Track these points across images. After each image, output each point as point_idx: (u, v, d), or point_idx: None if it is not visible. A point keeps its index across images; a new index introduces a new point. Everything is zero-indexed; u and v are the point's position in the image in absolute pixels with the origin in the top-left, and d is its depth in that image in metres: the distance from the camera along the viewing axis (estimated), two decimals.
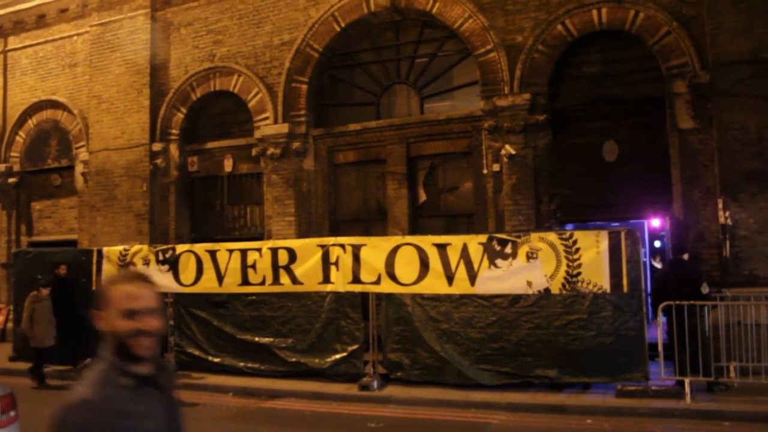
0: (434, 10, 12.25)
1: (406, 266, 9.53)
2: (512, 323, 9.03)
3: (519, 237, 9.14)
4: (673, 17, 10.55)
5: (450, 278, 9.30)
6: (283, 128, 13.13)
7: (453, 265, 9.28)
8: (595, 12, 11.11)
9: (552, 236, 9.03)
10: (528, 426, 7.67)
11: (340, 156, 13.38)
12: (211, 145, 14.40)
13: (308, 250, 10.28)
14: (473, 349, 9.20)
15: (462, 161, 12.44)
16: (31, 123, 16.57)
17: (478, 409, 8.39)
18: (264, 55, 13.59)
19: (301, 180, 13.25)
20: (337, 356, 9.94)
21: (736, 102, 9.71)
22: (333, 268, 10.01)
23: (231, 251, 10.76)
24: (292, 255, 10.31)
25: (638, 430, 7.51)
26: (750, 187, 9.55)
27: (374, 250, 9.80)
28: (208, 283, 10.83)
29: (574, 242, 8.80)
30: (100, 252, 12.02)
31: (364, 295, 9.92)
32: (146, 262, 11.32)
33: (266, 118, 13.44)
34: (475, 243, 9.26)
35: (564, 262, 8.78)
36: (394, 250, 9.63)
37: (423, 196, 12.74)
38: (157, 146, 14.37)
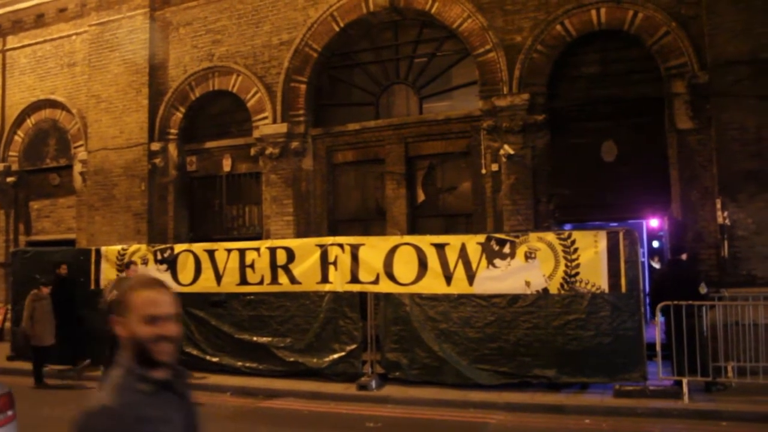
0: (433, 10, 12.25)
1: (405, 266, 9.54)
2: (510, 323, 9.03)
3: (517, 237, 9.15)
4: (671, 17, 10.56)
5: (448, 278, 9.30)
6: (282, 128, 13.13)
7: (451, 265, 9.29)
8: (594, 12, 11.11)
9: (550, 236, 9.04)
10: (526, 426, 7.67)
11: (338, 156, 13.38)
12: (209, 144, 14.40)
13: (307, 249, 10.28)
14: (471, 349, 9.20)
15: (461, 161, 12.44)
16: (29, 122, 16.55)
17: (476, 408, 8.39)
18: (263, 55, 13.59)
19: (299, 180, 13.25)
20: (336, 356, 9.93)
21: (735, 102, 9.72)
22: (331, 268, 10.01)
23: (229, 251, 10.76)
24: (291, 255, 10.31)
25: (636, 430, 7.51)
26: (748, 187, 9.56)
27: (373, 249, 9.80)
28: (207, 283, 10.83)
29: (573, 242, 8.81)
30: (98, 251, 12.02)
31: (362, 295, 9.91)
32: (144, 262, 11.32)
33: (265, 118, 13.43)
34: (473, 243, 9.26)
35: (562, 262, 8.79)
36: (393, 250, 9.63)
37: (421, 196, 12.74)
38: (155, 146, 14.36)
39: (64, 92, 15.88)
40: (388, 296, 9.71)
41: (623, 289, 8.55)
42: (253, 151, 13.58)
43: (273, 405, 9.16)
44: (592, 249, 8.71)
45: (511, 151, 11.25)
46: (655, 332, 8.60)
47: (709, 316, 8.53)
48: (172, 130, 14.50)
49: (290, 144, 13.13)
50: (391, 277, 9.59)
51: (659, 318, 8.54)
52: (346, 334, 9.92)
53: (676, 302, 8.24)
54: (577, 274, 8.72)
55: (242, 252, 10.66)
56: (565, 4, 11.25)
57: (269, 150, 13.20)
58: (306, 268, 10.17)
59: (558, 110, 11.50)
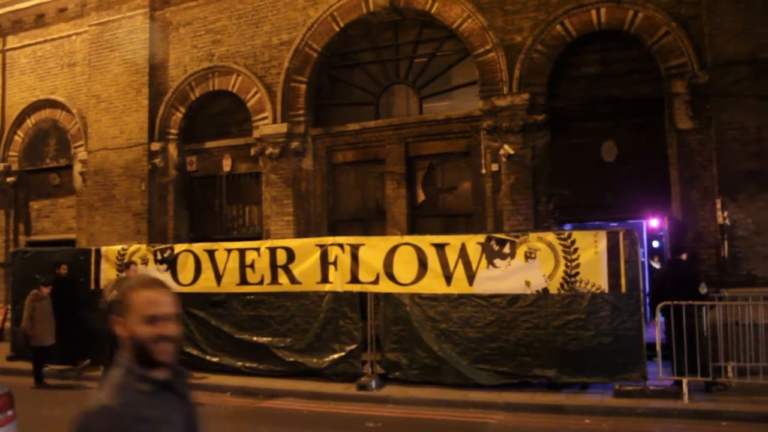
0: (433, 10, 12.25)
1: (405, 266, 9.53)
2: (510, 323, 9.02)
3: (517, 237, 9.15)
4: (671, 17, 10.56)
5: (448, 278, 9.30)
6: (282, 128, 13.13)
7: (451, 265, 9.29)
8: (594, 12, 11.11)
9: (550, 236, 9.04)
10: (526, 426, 7.67)
11: (338, 156, 13.38)
12: (209, 144, 14.40)
13: (307, 249, 10.28)
14: (471, 349, 9.20)
15: (460, 161, 12.44)
16: (29, 122, 16.56)
17: (476, 408, 8.39)
18: (263, 55, 13.59)
19: (299, 180, 13.25)
20: (336, 356, 9.93)
21: (735, 102, 9.72)
22: (331, 268, 10.01)
23: (229, 251, 10.76)
24: (291, 255, 10.31)
25: (636, 429, 7.51)
26: (748, 187, 9.56)
27: (373, 249, 9.80)
28: (207, 283, 10.83)
29: (573, 242, 8.81)
30: (98, 251, 12.01)
31: (362, 295, 9.90)
32: (144, 262, 11.32)
33: (265, 118, 13.43)
34: (473, 243, 9.26)
35: (562, 262, 8.79)
36: (393, 250, 9.63)
37: (421, 196, 12.74)
38: (155, 146, 14.36)
39: (64, 92, 15.88)
40: (388, 296, 9.71)
41: (623, 289, 8.55)
42: (253, 151, 13.58)
43: (273, 405, 9.15)
44: (592, 249, 8.71)
45: (511, 151, 11.25)
46: (655, 332, 8.61)
47: (709, 316, 8.53)
48: (172, 130, 14.50)
49: (290, 144, 13.13)
50: (391, 277, 9.59)
51: (659, 318, 8.54)
52: (346, 334, 9.92)
53: (676, 302, 8.24)
54: (577, 274, 8.72)
55: (242, 252, 10.66)
56: (565, 4, 11.25)
57: (269, 150, 13.20)
58: (306, 268, 10.17)
59: (558, 110, 11.49)
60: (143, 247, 11.80)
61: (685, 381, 8.03)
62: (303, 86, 13.29)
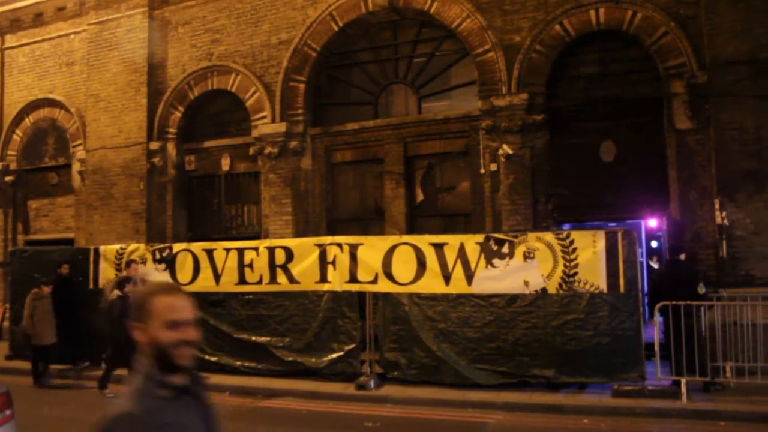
0: (432, 10, 12.25)
1: (404, 266, 9.53)
2: (509, 323, 9.03)
3: (516, 237, 9.15)
4: (670, 17, 10.56)
5: (447, 278, 9.30)
6: (281, 127, 13.13)
7: (450, 265, 9.29)
8: (592, 12, 11.11)
9: (549, 236, 9.04)
10: (525, 426, 7.67)
11: (337, 155, 13.38)
12: (208, 144, 14.39)
13: (305, 249, 10.27)
14: (470, 349, 9.20)
15: (459, 161, 12.44)
16: (28, 121, 16.53)
17: (474, 408, 8.39)
18: (262, 54, 13.58)
19: (298, 179, 13.25)
20: (334, 355, 9.93)
21: (734, 102, 9.72)
22: (330, 268, 10.00)
23: (228, 250, 10.76)
24: (289, 254, 10.31)
25: (635, 429, 7.51)
26: (747, 187, 9.57)
27: (371, 249, 9.80)
28: (205, 282, 10.82)
29: (571, 242, 8.81)
30: (97, 251, 12.00)
31: (361, 295, 9.91)
32: (143, 261, 11.30)
33: (264, 117, 13.43)
34: (472, 243, 9.27)
35: (561, 262, 8.79)
36: (392, 250, 9.63)
37: (420, 196, 12.74)
38: (154, 145, 14.35)
39: (63, 91, 15.86)
40: (386, 296, 9.71)
41: (622, 289, 8.55)
42: (251, 151, 13.57)
43: (271, 404, 9.16)
44: (590, 249, 8.71)
45: (510, 151, 11.25)
46: (654, 332, 8.60)
47: (707, 316, 8.54)
48: (171, 130, 14.49)
49: (289, 143, 13.13)
50: (389, 276, 9.59)
51: (658, 318, 8.55)
52: (344, 333, 9.92)
53: (674, 302, 8.25)
54: (575, 274, 8.72)
55: (241, 251, 10.65)
56: (564, 4, 11.25)
57: (268, 149, 13.19)
58: (305, 267, 10.17)
59: (557, 110, 11.50)
60: (142, 246, 11.79)
61: (683, 381, 8.04)
62: (302, 86, 13.28)
